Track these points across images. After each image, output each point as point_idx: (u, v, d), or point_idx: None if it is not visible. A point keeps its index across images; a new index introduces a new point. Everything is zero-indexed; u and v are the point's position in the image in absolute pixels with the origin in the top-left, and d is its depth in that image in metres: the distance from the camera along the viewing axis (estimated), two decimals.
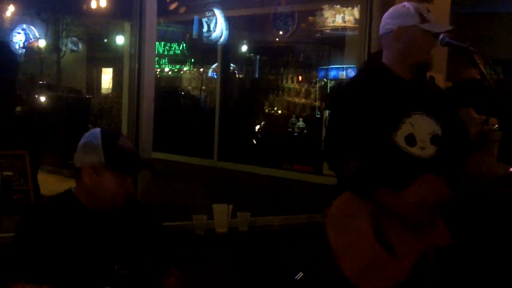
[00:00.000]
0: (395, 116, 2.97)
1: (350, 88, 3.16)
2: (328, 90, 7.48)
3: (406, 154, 2.95)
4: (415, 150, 2.97)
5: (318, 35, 8.33)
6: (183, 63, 15.29)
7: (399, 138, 2.95)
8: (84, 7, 7.74)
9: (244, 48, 10.85)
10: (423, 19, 3.00)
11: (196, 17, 8.12)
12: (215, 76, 11.24)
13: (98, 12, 7.93)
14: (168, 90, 14.23)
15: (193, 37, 8.42)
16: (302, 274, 2.55)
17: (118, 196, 2.57)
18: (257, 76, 11.23)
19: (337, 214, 2.94)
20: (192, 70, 14.64)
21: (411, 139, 2.97)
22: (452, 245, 3.01)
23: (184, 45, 14.01)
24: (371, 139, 2.94)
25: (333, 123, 3.04)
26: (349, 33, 6.99)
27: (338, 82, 7.55)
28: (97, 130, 2.63)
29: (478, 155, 3.19)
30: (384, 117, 2.96)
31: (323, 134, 6.54)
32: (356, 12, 6.75)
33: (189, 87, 14.07)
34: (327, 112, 6.57)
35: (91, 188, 2.56)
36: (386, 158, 2.95)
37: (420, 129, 2.99)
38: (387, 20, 3.09)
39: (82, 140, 2.61)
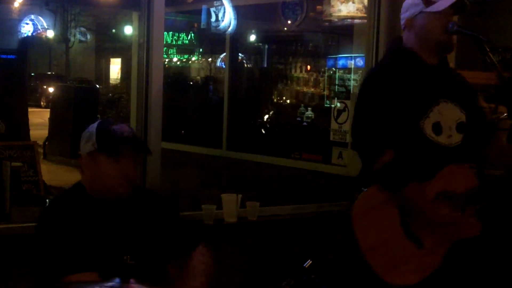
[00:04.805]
0: (424, 103, 2.94)
1: (377, 74, 3.07)
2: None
3: (432, 143, 2.93)
4: (441, 139, 2.94)
5: (327, 24, 8.28)
6: (191, 53, 15.27)
7: (427, 126, 2.92)
8: None
9: (252, 37, 10.83)
10: (428, 2, 2.98)
11: (204, 7, 8.11)
12: (224, 66, 11.23)
13: (106, 2, 7.94)
14: (177, 80, 14.23)
15: (202, 26, 8.42)
16: (311, 261, 2.54)
17: (116, 181, 2.54)
18: (265, 65, 11.21)
19: (364, 207, 2.90)
20: (201, 60, 14.63)
21: (437, 128, 2.94)
22: (481, 236, 2.93)
23: (193, 35, 14.00)
24: (400, 128, 2.89)
25: (363, 112, 2.97)
26: (357, 21, 6.96)
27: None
28: (98, 121, 2.67)
29: (494, 143, 3.10)
30: (413, 105, 2.92)
31: (331, 124, 6.63)
32: (364, 0, 6.72)
33: (198, 77, 14.07)
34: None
35: (91, 176, 2.58)
36: (414, 148, 2.91)
37: (447, 117, 2.96)
38: (401, 17, 3.11)
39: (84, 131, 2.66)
